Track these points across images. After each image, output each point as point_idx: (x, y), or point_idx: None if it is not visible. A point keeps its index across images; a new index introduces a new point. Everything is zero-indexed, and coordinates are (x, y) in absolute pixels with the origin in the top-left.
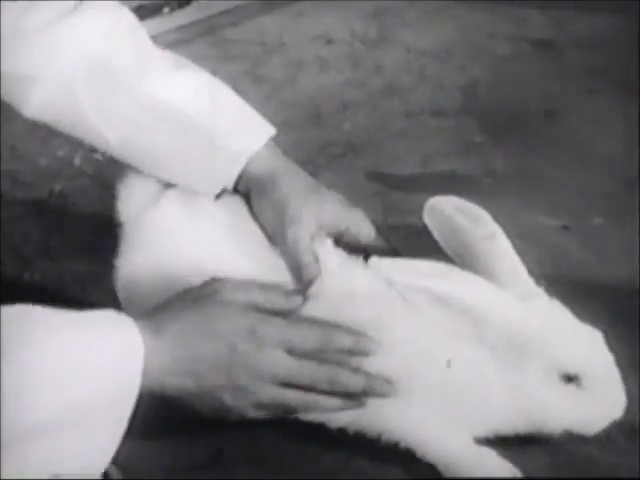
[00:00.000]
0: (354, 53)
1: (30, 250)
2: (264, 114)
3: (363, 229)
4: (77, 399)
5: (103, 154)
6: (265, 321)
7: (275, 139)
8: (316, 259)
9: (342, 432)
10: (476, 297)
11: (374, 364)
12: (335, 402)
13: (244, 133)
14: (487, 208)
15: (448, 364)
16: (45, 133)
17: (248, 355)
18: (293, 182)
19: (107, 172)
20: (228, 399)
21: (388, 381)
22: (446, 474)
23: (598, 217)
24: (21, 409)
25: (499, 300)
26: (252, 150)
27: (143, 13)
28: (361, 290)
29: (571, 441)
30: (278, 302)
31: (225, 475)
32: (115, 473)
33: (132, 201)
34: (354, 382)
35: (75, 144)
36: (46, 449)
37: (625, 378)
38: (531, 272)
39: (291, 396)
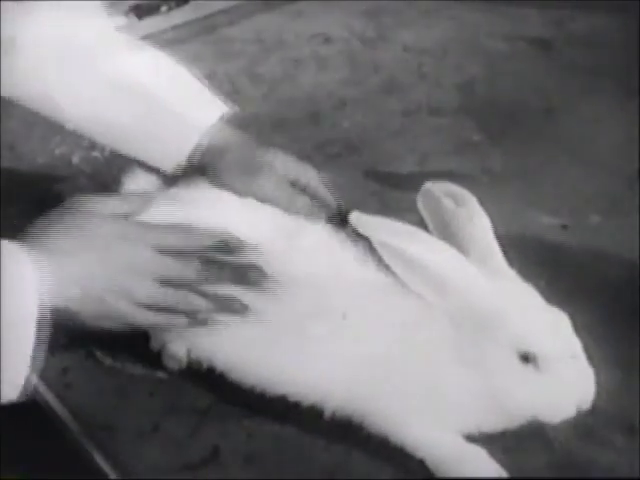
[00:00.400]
0: (352, 51)
1: None
2: (262, 112)
3: (312, 180)
4: None
5: (102, 153)
6: (132, 224)
7: (273, 137)
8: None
9: (340, 429)
10: (443, 264)
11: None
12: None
13: (198, 109)
14: (485, 207)
15: (344, 316)
16: (43, 132)
17: (123, 254)
18: (245, 145)
19: (105, 171)
20: (112, 300)
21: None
22: (435, 471)
23: (597, 216)
24: None
25: (466, 271)
26: (206, 124)
27: (140, 12)
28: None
29: (570, 440)
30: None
31: (221, 473)
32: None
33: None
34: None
35: (73, 143)
36: None
37: (624, 376)
38: (530, 270)
39: (168, 293)
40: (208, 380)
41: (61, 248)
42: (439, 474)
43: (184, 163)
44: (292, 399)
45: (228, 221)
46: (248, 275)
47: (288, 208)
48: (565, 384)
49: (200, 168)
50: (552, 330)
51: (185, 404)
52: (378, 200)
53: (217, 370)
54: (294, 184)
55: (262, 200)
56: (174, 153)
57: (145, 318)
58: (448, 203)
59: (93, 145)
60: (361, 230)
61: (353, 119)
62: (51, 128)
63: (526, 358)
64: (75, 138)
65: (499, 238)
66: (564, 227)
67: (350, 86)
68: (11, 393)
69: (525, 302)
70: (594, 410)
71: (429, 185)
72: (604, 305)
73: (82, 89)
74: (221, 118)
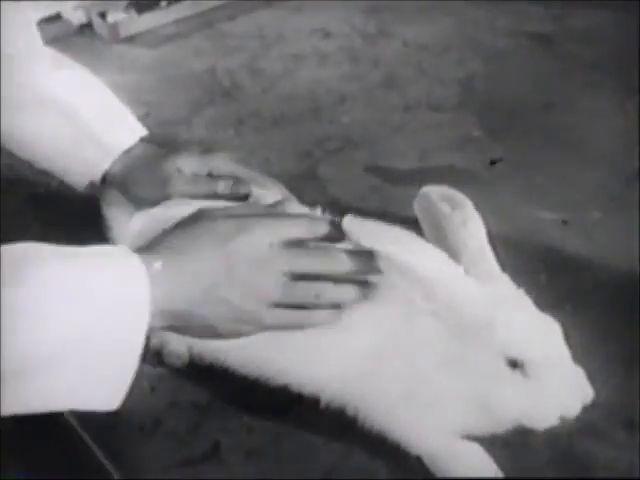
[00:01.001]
0: (352, 47)
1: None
2: (262, 107)
3: (223, 165)
4: (81, 330)
5: None
6: (247, 215)
7: (272, 132)
8: None
9: (339, 425)
10: (432, 268)
11: (337, 342)
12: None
13: (117, 131)
14: (486, 202)
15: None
16: None
17: (244, 247)
18: (151, 155)
19: None
20: (237, 300)
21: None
22: (431, 467)
23: (597, 211)
24: (20, 343)
25: (456, 276)
26: (122, 147)
27: (140, 7)
28: None
29: (571, 436)
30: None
31: (222, 468)
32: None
33: (119, 209)
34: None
35: None
36: (52, 383)
37: (624, 372)
38: (530, 266)
39: (300, 287)
40: (209, 376)
41: (184, 253)
42: (436, 471)
43: (97, 182)
44: (291, 389)
45: None
46: (366, 259)
47: (211, 195)
48: (552, 392)
49: (114, 186)
50: (541, 337)
51: (186, 400)
52: (378, 195)
53: (218, 365)
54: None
55: (182, 197)
56: (88, 172)
57: (277, 317)
58: (444, 207)
59: None
60: (351, 236)
61: (353, 114)
62: None
63: (514, 364)
64: None
65: (498, 234)
66: (564, 222)
67: (350, 81)
68: (114, 403)
69: (515, 308)
70: (595, 405)
71: (427, 189)
72: (604, 300)
73: (3, 99)
74: (137, 142)
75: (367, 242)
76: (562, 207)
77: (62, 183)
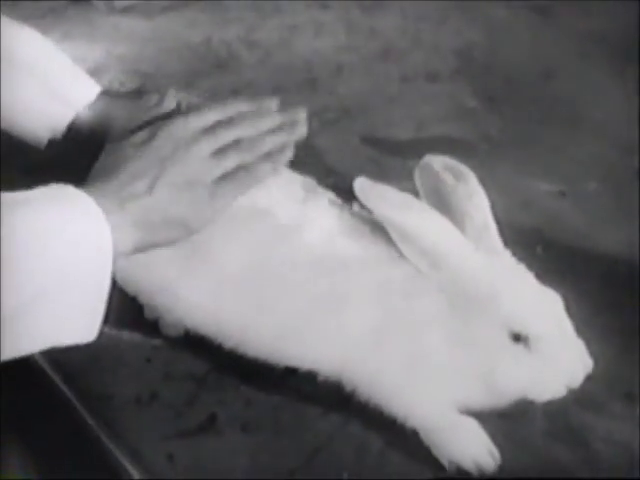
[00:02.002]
0: (349, 17)
1: None
2: (258, 78)
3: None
4: (52, 269)
5: None
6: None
7: None
8: None
9: (336, 397)
10: (440, 237)
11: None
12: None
13: (77, 84)
14: (482, 173)
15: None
16: None
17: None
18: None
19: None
20: (181, 188)
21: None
22: (427, 441)
23: (594, 182)
24: (4, 287)
25: (462, 247)
26: (83, 102)
27: None
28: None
29: (568, 407)
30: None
31: (219, 440)
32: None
33: None
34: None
35: None
36: (33, 325)
37: (621, 344)
38: (526, 237)
39: (230, 184)
40: (205, 347)
41: (110, 177)
42: (431, 445)
43: (59, 138)
44: (289, 366)
45: None
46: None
47: None
48: (555, 364)
49: (83, 140)
50: (544, 311)
51: (182, 371)
52: (375, 166)
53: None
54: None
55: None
56: (50, 127)
57: (223, 190)
58: (448, 178)
59: None
60: (362, 199)
61: (350, 85)
62: None
63: (517, 338)
64: None
65: (494, 205)
66: (562, 193)
67: (347, 52)
68: (91, 334)
69: (519, 283)
70: (592, 377)
71: (429, 158)
72: (601, 271)
73: None
74: (99, 96)
75: (377, 206)
76: (559, 178)
77: (58, 152)
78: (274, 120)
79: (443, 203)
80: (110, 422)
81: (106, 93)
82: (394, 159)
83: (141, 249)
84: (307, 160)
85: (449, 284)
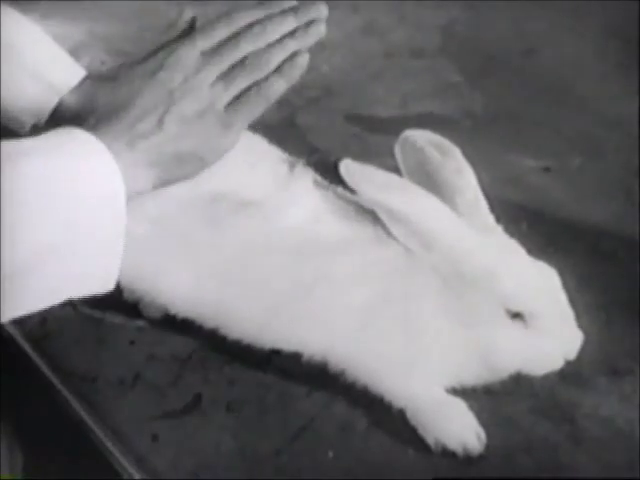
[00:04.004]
0: None
1: None
2: None
3: None
4: (67, 220)
5: None
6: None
7: None
8: None
9: (321, 377)
10: (432, 217)
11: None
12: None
13: (61, 68)
14: (467, 149)
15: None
16: None
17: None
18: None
19: None
20: (192, 118)
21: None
22: (413, 421)
23: (579, 158)
24: (14, 243)
25: (455, 226)
26: (67, 85)
27: None
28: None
29: (554, 383)
30: None
31: (203, 420)
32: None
33: None
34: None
35: None
36: (51, 277)
37: (606, 319)
38: (512, 213)
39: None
40: (188, 328)
41: (117, 110)
42: (417, 424)
43: (42, 123)
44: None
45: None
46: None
47: None
48: (552, 338)
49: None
50: (540, 287)
51: (166, 352)
52: (359, 143)
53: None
54: None
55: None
56: (33, 112)
57: (238, 113)
58: (432, 153)
59: None
60: (349, 182)
61: (333, 62)
62: None
63: (514, 315)
64: None
65: (479, 182)
66: (546, 169)
67: (330, 28)
68: (110, 283)
69: (513, 260)
70: (578, 353)
71: (409, 133)
72: (586, 247)
73: None
74: (83, 80)
75: (364, 188)
76: (544, 154)
77: (35, 132)
78: (285, 26)
79: (429, 179)
80: (94, 404)
81: (90, 77)
82: (378, 136)
83: (159, 186)
84: (290, 138)
85: (442, 263)
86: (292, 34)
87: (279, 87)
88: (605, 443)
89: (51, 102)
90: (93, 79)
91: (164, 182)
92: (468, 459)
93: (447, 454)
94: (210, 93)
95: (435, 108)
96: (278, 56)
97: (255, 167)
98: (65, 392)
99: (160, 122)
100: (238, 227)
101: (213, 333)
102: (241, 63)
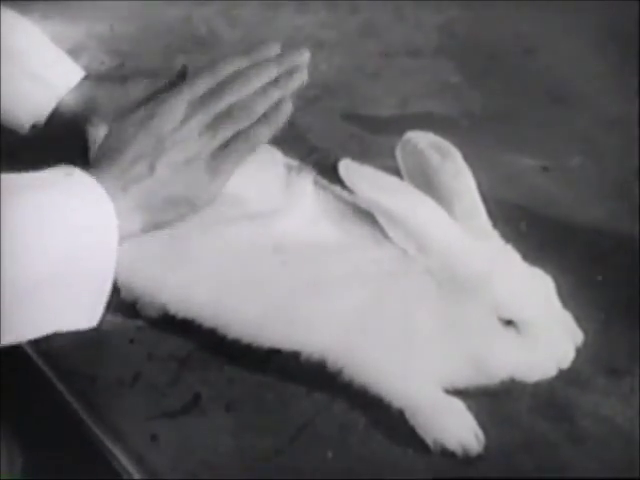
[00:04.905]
0: None
1: None
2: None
3: None
4: (59, 257)
5: None
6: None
7: None
8: None
9: (321, 376)
10: (428, 221)
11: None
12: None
13: (60, 68)
14: (465, 149)
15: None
16: None
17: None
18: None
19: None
20: (180, 163)
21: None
22: (412, 421)
23: (577, 157)
24: (5, 276)
25: (451, 231)
26: (65, 86)
27: None
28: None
29: (552, 383)
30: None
31: (203, 420)
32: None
33: None
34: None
35: None
36: (37, 310)
37: (605, 319)
38: (510, 213)
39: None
40: (188, 327)
41: (114, 156)
42: (416, 425)
43: (42, 124)
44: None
45: None
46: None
47: None
48: (545, 347)
49: (66, 125)
50: (534, 295)
51: (165, 351)
52: (358, 143)
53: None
54: None
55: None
56: (33, 112)
57: (224, 158)
58: (433, 156)
59: None
60: (348, 182)
61: (331, 62)
62: None
63: (507, 322)
64: None
65: (477, 182)
66: (544, 169)
67: (328, 28)
68: (94, 319)
69: (508, 266)
70: (577, 352)
71: (411, 135)
72: (586, 246)
73: None
74: (82, 81)
75: (362, 189)
76: (542, 153)
77: (40, 138)
78: (268, 74)
79: (428, 182)
80: (93, 403)
81: (89, 77)
82: (377, 136)
83: (148, 230)
84: (289, 138)
85: (437, 267)
86: (276, 82)
87: (264, 134)
88: (604, 443)
89: (50, 103)
90: (92, 80)
91: (154, 226)
92: (467, 459)
93: (446, 454)
94: (198, 142)
95: (434, 108)
96: (262, 104)
97: (254, 168)
98: (64, 392)
99: (152, 167)
100: (237, 228)
101: (212, 333)
102: (227, 112)
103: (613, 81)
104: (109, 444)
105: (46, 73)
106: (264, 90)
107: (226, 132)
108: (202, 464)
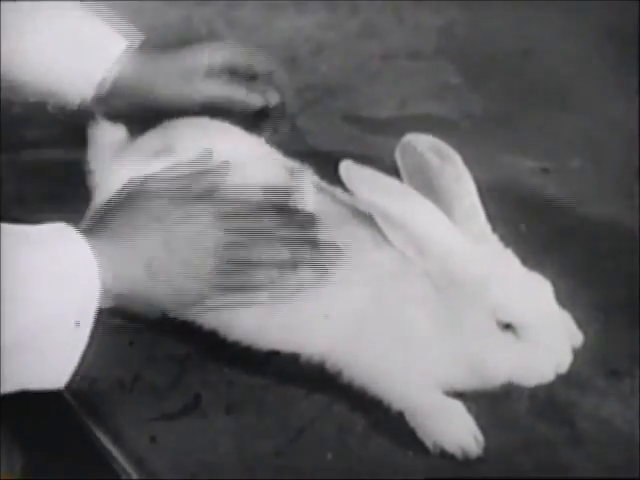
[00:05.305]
0: None
1: (4, 198)
2: None
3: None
4: (39, 315)
5: None
6: (193, 199)
7: None
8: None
9: (320, 378)
10: (428, 225)
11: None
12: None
13: (109, 36)
14: (465, 150)
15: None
16: None
17: (188, 234)
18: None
19: (80, 118)
20: (180, 280)
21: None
22: (412, 423)
23: (577, 159)
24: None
25: (450, 235)
26: (113, 55)
27: None
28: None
29: (552, 385)
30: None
31: (203, 422)
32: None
33: (102, 149)
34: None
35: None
36: (11, 366)
37: (605, 320)
38: (510, 214)
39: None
40: (187, 329)
41: (124, 232)
42: (416, 426)
43: (92, 96)
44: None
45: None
46: (307, 226)
47: (242, 102)
48: (543, 351)
49: (114, 99)
50: (532, 300)
51: (165, 353)
52: (358, 144)
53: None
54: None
55: (209, 101)
56: (83, 83)
57: (219, 280)
58: (433, 159)
59: None
60: (348, 184)
61: (331, 63)
62: None
63: (505, 326)
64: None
65: (477, 184)
66: (545, 170)
67: (328, 30)
68: (60, 381)
69: (507, 271)
70: (577, 354)
71: (410, 137)
72: (585, 247)
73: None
74: (128, 49)
75: (363, 191)
76: (542, 155)
77: (39, 135)
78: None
79: (428, 185)
80: (93, 405)
81: (135, 48)
82: (377, 137)
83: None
84: (289, 140)
85: (436, 270)
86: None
87: (258, 280)
88: (604, 444)
89: (100, 69)
90: (139, 52)
91: (121, 307)
92: (467, 461)
93: (446, 456)
94: (206, 258)
95: (434, 109)
96: (271, 254)
97: (254, 169)
98: (64, 393)
99: (149, 265)
100: None
101: (212, 334)
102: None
103: (614, 82)
104: (109, 445)
105: (93, 46)
106: (282, 249)
107: (230, 265)
108: (202, 466)
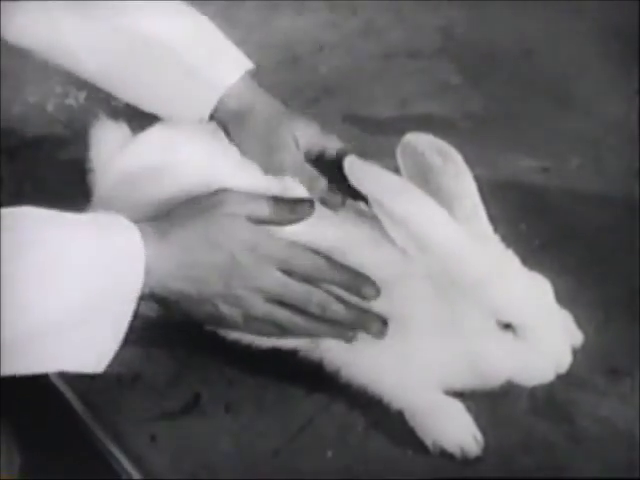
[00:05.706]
0: None
1: (4, 198)
2: None
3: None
4: (77, 299)
5: (76, 100)
6: (267, 238)
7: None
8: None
9: (320, 377)
10: (431, 223)
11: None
12: (323, 329)
13: (222, 65)
14: (465, 150)
15: None
16: (16, 81)
17: (246, 268)
18: (271, 111)
19: (79, 119)
20: (223, 307)
21: (383, 321)
22: (411, 422)
23: (577, 158)
24: (22, 309)
25: (453, 233)
26: (229, 81)
27: None
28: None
29: (551, 383)
30: (284, 215)
31: (203, 420)
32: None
33: (104, 148)
34: (345, 313)
35: (47, 91)
36: (48, 348)
37: (605, 319)
38: (510, 214)
39: (282, 314)
40: (187, 327)
41: (188, 244)
42: (415, 426)
43: (204, 118)
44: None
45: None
46: (368, 326)
47: (308, 190)
48: (543, 352)
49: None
50: (532, 300)
51: (164, 352)
52: (358, 144)
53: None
54: (316, 158)
55: (279, 175)
56: (193, 112)
57: (268, 311)
58: (433, 158)
59: (67, 93)
60: (352, 180)
61: (331, 63)
62: (24, 77)
63: (505, 326)
64: (49, 86)
65: (478, 183)
66: (545, 170)
67: (328, 29)
68: (101, 366)
69: (507, 271)
70: (576, 352)
71: (411, 136)
72: (584, 247)
73: (98, 40)
74: (244, 77)
75: (366, 187)
76: (542, 154)
77: (38, 135)
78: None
79: (429, 184)
80: (92, 404)
81: (247, 78)
82: (377, 137)
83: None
84: None
85: (436, 269)
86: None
87: (321, 332)
88: (604, 443)
89: (210, 101)
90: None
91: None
92: (466, 460)
93: (445, 455)
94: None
95: (434, 109)
96: (340, 311)
97: (255, 169)
98: (64, 391)
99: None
100: None
101: (212, 333)
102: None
103: (614, 82)
104: (108, 444)
105: (204, 69)
106: (351, 310)
107: (290, 297)
108: (201, 464)
